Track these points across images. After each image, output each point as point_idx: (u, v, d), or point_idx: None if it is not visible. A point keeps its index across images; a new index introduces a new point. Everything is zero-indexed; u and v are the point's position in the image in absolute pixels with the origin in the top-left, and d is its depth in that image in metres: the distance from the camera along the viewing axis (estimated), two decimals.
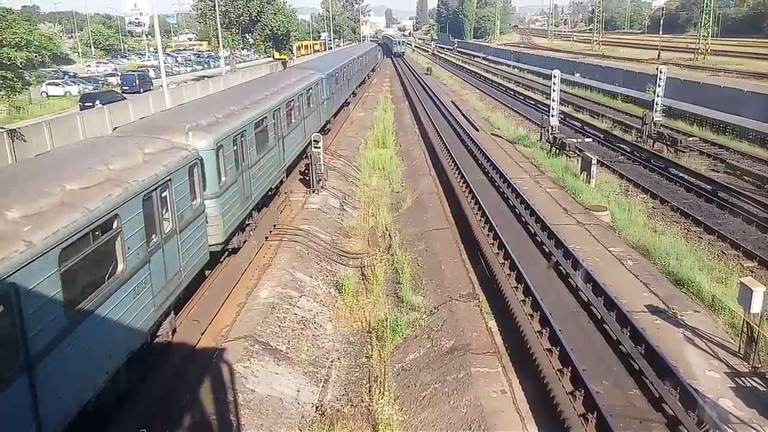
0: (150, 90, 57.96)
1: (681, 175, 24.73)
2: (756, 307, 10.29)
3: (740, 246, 17.23)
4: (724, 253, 17.17)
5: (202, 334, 11.50)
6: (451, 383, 10.53)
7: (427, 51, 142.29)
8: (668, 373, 9.80)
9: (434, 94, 53.67)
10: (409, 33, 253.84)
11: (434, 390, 10.55)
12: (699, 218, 19.64)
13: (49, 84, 63.09)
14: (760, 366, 10.25)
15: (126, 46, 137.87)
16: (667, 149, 28.74)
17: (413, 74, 79.26)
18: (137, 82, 61.57)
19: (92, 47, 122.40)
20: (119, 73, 73.15)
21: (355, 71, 50.10)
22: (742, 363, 10.55)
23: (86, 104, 45.87)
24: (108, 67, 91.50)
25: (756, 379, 10.04)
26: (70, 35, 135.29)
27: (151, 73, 69.11)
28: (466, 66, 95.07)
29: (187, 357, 10.70)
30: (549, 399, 9.32)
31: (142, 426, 8.24)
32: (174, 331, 11.00)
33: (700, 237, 18.42)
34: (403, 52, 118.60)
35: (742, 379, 10.05)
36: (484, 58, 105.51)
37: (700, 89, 40.76)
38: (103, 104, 41.14)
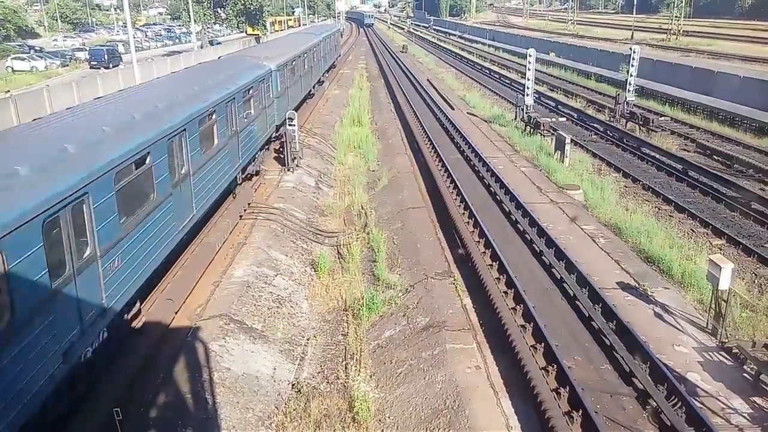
0: (119, 66, 56.65)
1: (653, 154, 25.07)
2: (724, 283, 10.55)
3: (709, 224, 17.59)
4: (693, 231, 17.51)
5: (176, 313, 11.38)
6: (426, 359, 10.62)
7: (403, 29, 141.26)
8: (638, 348, 10.01)
9: (410, 72, 53.38)
10: (385, 10, 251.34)
11: (410, 366, 10.63)
12: (670, 197, 19.98)
13: (14, 58, 61.31)
14: (727, 341, 10.52)
15: (94, 20, 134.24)
16: (640, 129, 29.07)
17: (389, 52, 78.63)
18: (106, 57, 60.09)
19: (59, 21, 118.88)
20: (87, 48, 71.30)
21: (257, 112, 19.12)
22: (709, 338, 10.82)
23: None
24: (75, 42, 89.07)
25: (723, 353, 10.31)
26: (35, 8, 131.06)
27: (120, 48, 67.44)
28: (442, 44, 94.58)
29: (161, 336, 10.59)
30: (522, 374, 9.47)
31: (116, 406, 8.16)
32: None
33: (670, 215, 18.74)
34: (372, 24, 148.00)
35: (710, 353, 10.32)
36: (460, 37, 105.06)
37: (672, 69, 41.22)
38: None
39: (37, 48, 75.41)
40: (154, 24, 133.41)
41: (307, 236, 16.90)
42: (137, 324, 10.38)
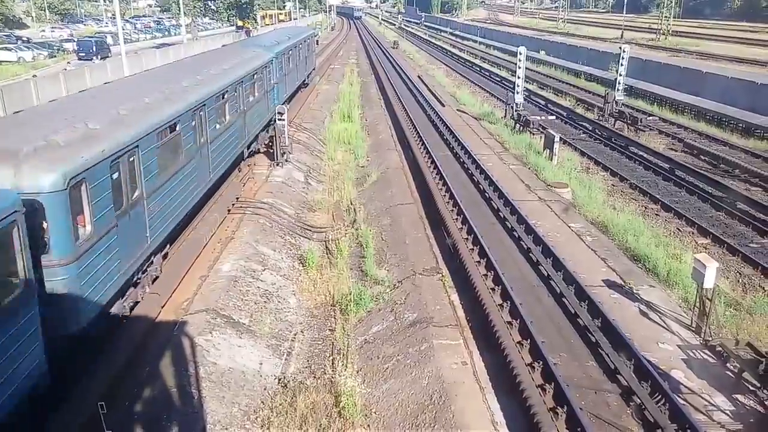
0: (108, 57, 56.14)
1: (640, 153, 25.23)
2: (708, 282, 10.64)
3: (695, 223, 17.74)
4: (679, 230, 17.66)
5: (162, 307, 11.33)
6: (413, 355, 10.64)
7: (394, 25, 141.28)
8: (623, 345, 10.09)
9: (401, 68, 53.34)
10: (376, 5, 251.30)
11: (397, 362, 10.65)
12: (656, 196, 20.13)
13: (0, 49, 60.59)
14: (711, 339, 10.62)
15: (82, 10, 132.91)
16: (628, 128, 29.24)
17: (380, 48, 78.55)
18: (94, 49, 59.48)
19: (47, 11, 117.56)
20: (75, 39, 70.57)
21: None
22: (694, 336, 10.93)
23: None
24: (63, 33, 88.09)
25: (707, 351, 10.42)
26: None
27: (109, 40, 66.80)
28: (433, 41, 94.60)
29: (147, 330, 10.53)
30: (508, 370, 9.51)
31: (100, 400, 8.11)
32: None
33: (657, 214, 18.89)
34: (360, 17, 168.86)
35: (694, 351, 10.42)
36: (451, 34, 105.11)
37: (661, 69, 41.47)
38: None
39: (25, 38, 74.50)
40: (143, 16, 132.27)
41: (295, 231, 16.87)
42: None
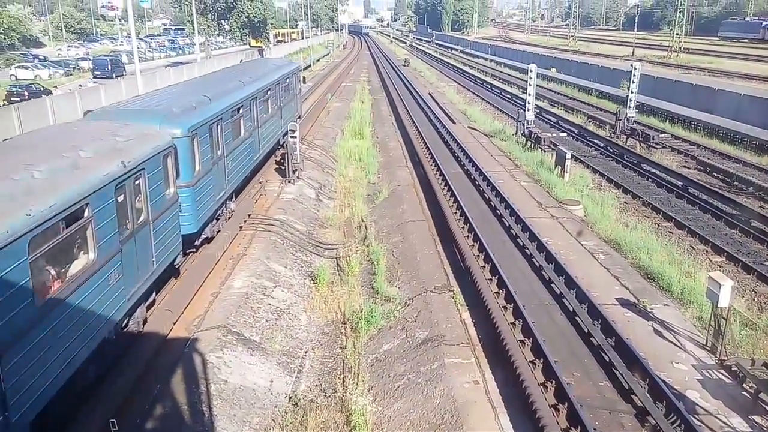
0: (122, 75, 56.88)
1: (653, 170, 25.11)
2: (723, 301, 10.51)
3: (709, 241, 17.57)
4: (693, 248, 17.49)
5: (174, 323, 11.35)
6: (424, 374, 10.57)
7: (405, 42, 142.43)
8: (638, 365, 9.97)
9: (412, 85, 53.64)
10: (387, 24, 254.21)
11: (408, 380, 10.58)
12: (670, 213, 19.98)
13: (18, 67, 61.69)
14: (726, 359, 10.47)
15: (98, 30, 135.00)
16: (640, 145, 29.15)
17: (391, 65, 79.13)
18: (109, 68, 60.34)
19: (63, 30, 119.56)
20: (91, 58, 71.66)
21: None
22: (709, 355, 10.78)
23: None
24: (80, 51, 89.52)
25: (722, 371, 10.26)
26: (40, 18, 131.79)
27: (124, 59, 67.76)
28: (444, 58, 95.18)
29: (159, 347, 10.56)
30: (521, 390, 9.42)
31: (112, 417, 8.12)
32: None
33: (670, 232, 18.73)
34: (368, 32, 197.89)
35: (709, 371, 10.28)
36: (462, 51, 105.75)
37: (673, 86, 41.39)
38: None
39: (41, 57, 75.76)
40: (158, 35, 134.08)
41: (306, 248, 16.90)
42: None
